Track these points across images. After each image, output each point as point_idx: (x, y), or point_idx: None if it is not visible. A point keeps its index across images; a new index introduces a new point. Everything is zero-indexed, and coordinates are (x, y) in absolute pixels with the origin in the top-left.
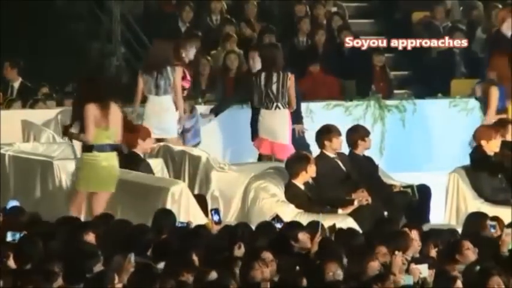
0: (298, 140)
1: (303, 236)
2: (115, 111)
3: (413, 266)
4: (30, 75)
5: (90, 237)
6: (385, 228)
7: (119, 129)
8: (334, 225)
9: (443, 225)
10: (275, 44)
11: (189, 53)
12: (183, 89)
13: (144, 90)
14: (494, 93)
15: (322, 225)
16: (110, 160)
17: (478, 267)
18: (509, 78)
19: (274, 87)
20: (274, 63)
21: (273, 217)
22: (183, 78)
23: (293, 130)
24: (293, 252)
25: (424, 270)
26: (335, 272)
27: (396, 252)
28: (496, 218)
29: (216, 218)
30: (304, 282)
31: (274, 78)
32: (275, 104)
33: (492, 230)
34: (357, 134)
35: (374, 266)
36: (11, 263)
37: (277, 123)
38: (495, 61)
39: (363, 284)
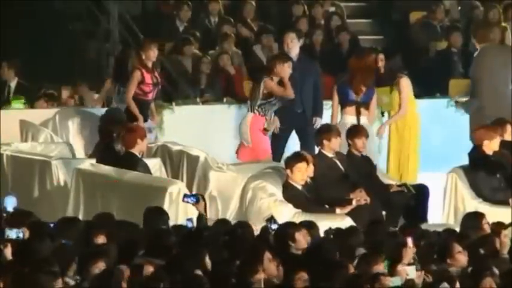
0: (307, 136)
1: (299, 236)
2: None
3: (400, 267)
4: (27, 75)
5: (101, 240)
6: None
7: None
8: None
9: (441, 225)
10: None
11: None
12: (144, 92)
13: None
14: (334, 91)
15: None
16: None
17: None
18: (357, 76)
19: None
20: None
21: (268, 218)
22: (143, 82)
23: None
24: (291, 252)
25: (411, 272)
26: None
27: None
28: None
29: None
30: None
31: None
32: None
33: None
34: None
35: (379, 269)
36: (8, 253)
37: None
38: (350, 62)
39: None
